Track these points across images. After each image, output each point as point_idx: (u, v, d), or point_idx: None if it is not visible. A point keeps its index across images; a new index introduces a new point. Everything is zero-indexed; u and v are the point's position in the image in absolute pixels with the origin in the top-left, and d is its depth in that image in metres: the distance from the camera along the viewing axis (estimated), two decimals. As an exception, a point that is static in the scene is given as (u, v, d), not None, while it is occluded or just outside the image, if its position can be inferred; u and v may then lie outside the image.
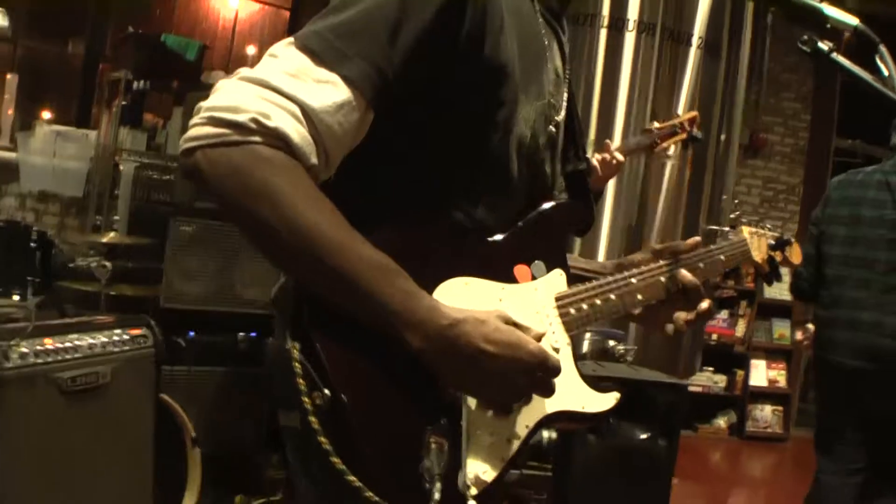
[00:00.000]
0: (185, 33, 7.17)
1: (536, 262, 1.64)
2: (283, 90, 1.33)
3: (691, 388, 7.96)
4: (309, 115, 1.34)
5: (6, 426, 2.72)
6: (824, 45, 1.54)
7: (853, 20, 1.54)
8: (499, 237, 1.59)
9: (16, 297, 3.74)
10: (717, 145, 6.30)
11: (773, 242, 2.17)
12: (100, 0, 7.08)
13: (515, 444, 1.50)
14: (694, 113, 3.88)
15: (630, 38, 5.85)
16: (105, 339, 3.11)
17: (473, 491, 1.41)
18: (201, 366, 4.41)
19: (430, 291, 1.44)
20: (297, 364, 1.39)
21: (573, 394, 1.61)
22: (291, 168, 1.33)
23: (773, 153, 9.16)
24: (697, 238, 1.90)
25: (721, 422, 8.54)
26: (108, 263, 3.95)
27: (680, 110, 5.99)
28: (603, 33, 5.85)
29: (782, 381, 8.71)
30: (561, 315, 1.63)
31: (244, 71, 1.37)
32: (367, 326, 1.36)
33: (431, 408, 1.42)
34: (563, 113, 1.73)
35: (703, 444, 8.30)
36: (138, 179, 5.99)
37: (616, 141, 3.81)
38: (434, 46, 1.43)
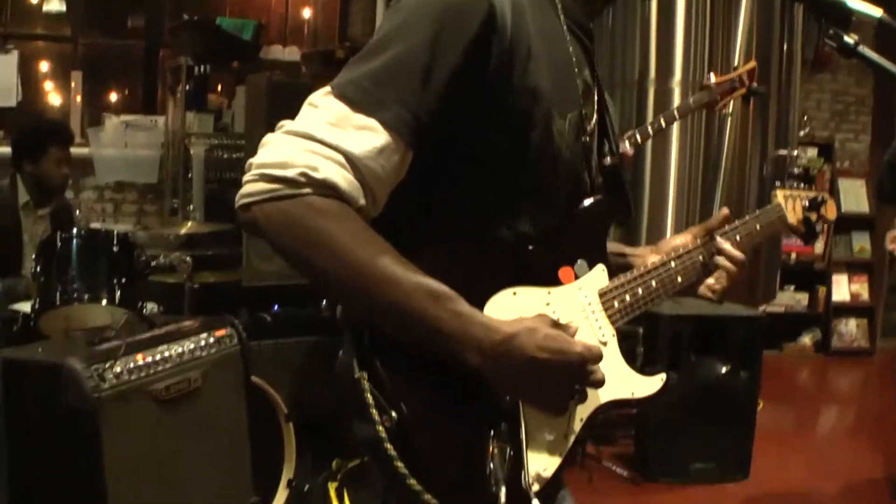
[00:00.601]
0: (238, 13, 7.26)
1: (579, 261, 1.70)
2: (327, 140, 1.41)
3: (773, 309, 7.97)
4: (353, 162, 1.42)
5: (112, 441, 2.86)
6: (850, 39, 1.58)
7: (877, 12, 1.58)
8: (541, 245, 1.65)
9: (104, 302, 3.91)
10: (780, 66, 6.26)
11: (807, 203, 2.21)
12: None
13: (572, 439, 1.58)
14: (752, 64, 3.87)
15: (684, -26, 5.82)
16: (192, 346, 3.24)
17: (536, 487, 1.51)
18: (288, 338, 4.55)
19: (482, 305, 1.53)
20: (368, 395, 1.49)
21: (622, 382, 1.69)
22: (343, 214, 1.42)
23: (839, 65, 8.99)
24: (725, 210, 1.95)
25: (806, 339, 8.53)
26: (188, 258, 4.09)
27: (738, 36, 5.98)
28: (657, -28, 5.82)
29: (865, 295, 8.66)
30: (606, 309, 1.70)
31: (288, 124, 1.45)
32: (429, 351, 1.46)
33: (492, 416, 1.51)
34: (594, 120, 1.78)
35: (790, 363, 8.31)
36: (209, 160, 6.16)
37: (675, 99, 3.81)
38: (465, 82, 1.50)
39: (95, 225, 6.33)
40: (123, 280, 4.04)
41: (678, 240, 1.92)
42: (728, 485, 4.95)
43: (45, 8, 7.08)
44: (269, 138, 1.45)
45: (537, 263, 1.65)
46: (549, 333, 1.48)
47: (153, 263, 4.11)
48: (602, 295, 1.71)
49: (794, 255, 8.34)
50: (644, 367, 5.12)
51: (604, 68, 5.82)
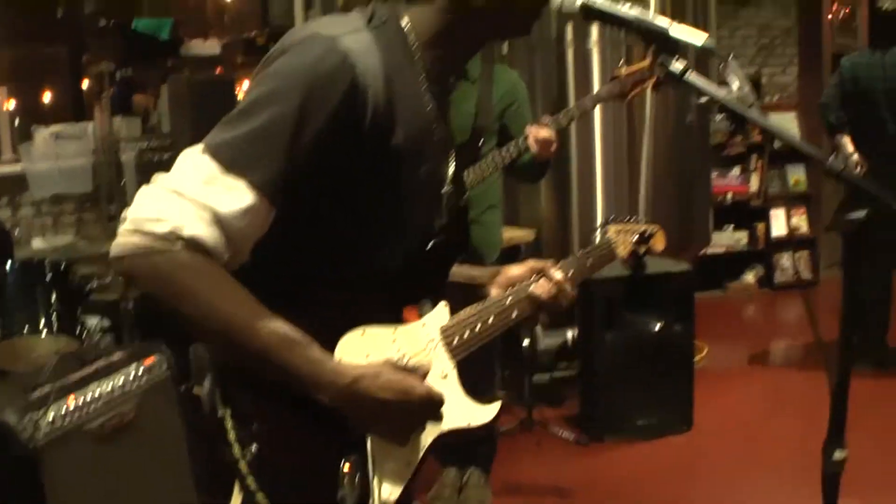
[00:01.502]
0: (156, 12, 7.23)
1: (423, 300, 1.90)
2: (197, 198, 1.53)
3: (713, 251, 8.10)
4: (220, 220, 1.55)
5: (52, 485, 2.98)
6: (677, 66, 1.67)
7: (700, 38, 1.66)
8: (391, 286, 1.83)
9: (44, 333, 4.00)
10: (695, 9, 6.35)
11: (636, 238, 2.37)
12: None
13: (413, 466, 1.78)
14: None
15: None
16: (122, 379, 3.35)
17: None
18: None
19: (335, 343, 1.71)
20: (230, 431, 1.66)
21: (459, 413, 1.86)
22: (208, 269, 1.56)
23: (763, -1, 9.08)
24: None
25: (749, 277, 8.65)
26: (120, 277, 4.15)
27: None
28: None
29: (805, 227, 8.76)
30: (447, 344, 1.88)
31: (161, 178, 1.57)
32: (286, 387, 1.62)
33: (344, 447, 1.68)
34: (451, 169, 1.94)
35: (734, 303, 8.45)
36: (141, 164, 6.19)
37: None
38: (330, 145, 1.62)
39: (37, 242, 6.36)
40: (61, 307, 4.13)
41: (515, 270, 2.08)
42: (673, 437, 5.10)
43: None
44: (144, 191, 1.57)
45: (386, 304, 1.83)
46: (391, 378, 1.66)
47: (88, 287, 4.20)
48: (444, 331, 1.89)
49: (729, 195, 8.45)
50: (578, 335, 5.29)
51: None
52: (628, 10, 1.70)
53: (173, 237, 1.52)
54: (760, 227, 8.64)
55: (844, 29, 9.19)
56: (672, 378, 5.13)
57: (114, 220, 6.16)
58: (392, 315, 1.85)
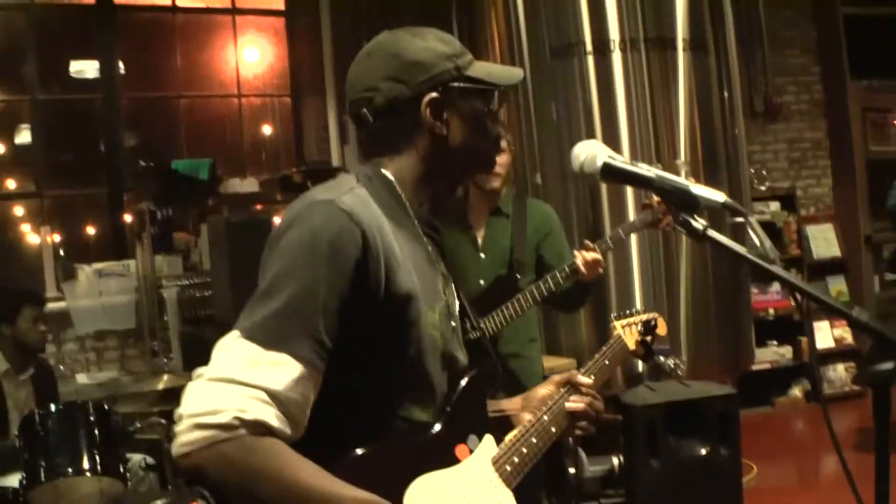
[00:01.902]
0: (194, 151, 7.43)
1: (470, 436, 1.89)
2: (248, 382, 1.56)
3: (759, 367, 8.01)
4: (276, 397, 1.57)
5: None
6: (699, 224, 1.69)
7: (721, 196, 1.69)
8: (436, 428, 1.83)
9: (88, 474, 4.03)
10: (725, 132, 6.41)
11: (641, 328, 2.43)
12: (109, 139, 7.34)
13: None
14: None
15: (617, 58, 5.98)
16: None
17: None
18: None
19: (401, 496, 1.71)
20: None
21: None
22: (276, 447, 1.58)
23: (791, 113, 9.12)
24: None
25: (796, 391, 8.51)
26: (163, 420, 4.22)
27: (680, 113, 6.14)
28: (590, 60, 5.99)
29: (849, 338, 8.68)
30: (500, 474, 1.91)
31: (207, 371, 1.60)
32: None
33: None
34: (456, 305, 1.99)
35: (782, 418, 8.31)
36: (182, 301, 6.28)
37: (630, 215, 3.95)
38: (353, 304, 1.67)
39: (81, 377, 6.45)
40: (104, 448, 4.17)
41: (542, 390, 2.16)
42: (724, 563, 4.98)
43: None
44: (192, 387, 1.58)
45: (437, 447, 1.83)
46: None
47: (130, 429, 4.24)
48: (495, 463, 1.91)
49: (771, 311, 8.40)
50: (623, 462, 5.22)
51: (555, 161, 5.98)
52: (648, 170, 1.74)
53: (237, 424, 1.53)
54: (804, 340, 8.54)
55: (878, 135, 9.22)
56: (721, 502, 5.02)
57: (156, 355, 6.25)
58: (447, 457, 1.84)
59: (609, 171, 1.77)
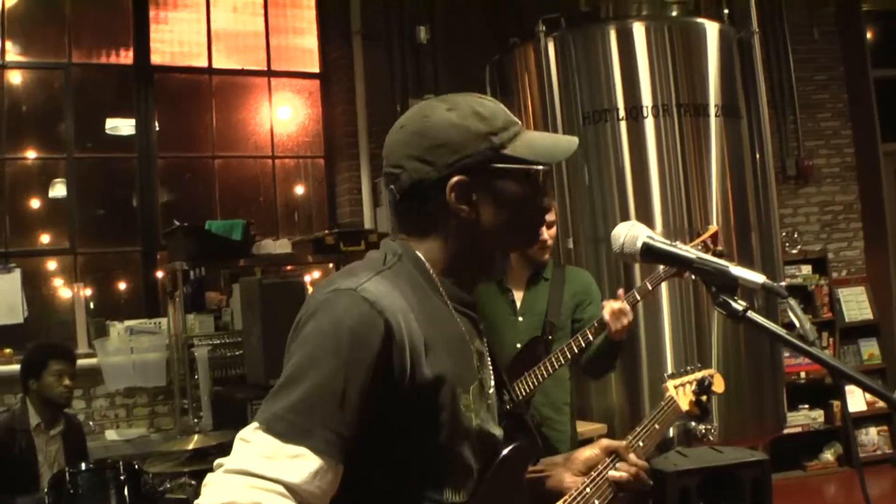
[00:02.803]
0: (228, 211, 7.51)
1: None
2: (265, 475, 1.55)
3: (790, 430, 7.95)
4: (294, 490, 1.56)
5: None
6: (738, 306, 1.69)
7: (760, 278, 1.69)
8: None
9: (116, 535, 4.04)
10: (757, 196, 6.42)
11: (696, 388, 2.37)
12: (144, 197, 7.42)
13: None
14: (714, 228, 4.02)
15: (650, 124, 6.02)
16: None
17: None
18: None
19: None
20: None
21: None
22: None
23: (822, 176, 9.12)
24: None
25: (828, 455, 8.41)
26: (193, 482, 4.22)
27: (713, 177, 6.16)
28: (623, 125, 6.03)
29: (881, 401, 8.55)
30: None
31: (226, 462, 1.59)
32: None
33: None
34: (491, 381, 1.93)
35: (815, 483, 8.21)
36: (213, 360, 6.31)
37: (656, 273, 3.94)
38: (377, 392, 1.65)
39: (111, 434, 6.47)
40: (132, 505, 4.19)
41: (587, 453, 2.09)
42: None
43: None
44: (210, 479, 1.58)
45: None
46: None
47: (160, 489, 4.25)
48: None
49: (803, 374, 8.33)
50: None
51: (588, 226, 6.00)
52: (688, 251, 1.74)
53: None
54: (836, 403, 8.46)
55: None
56: (754, 571, 4.96)
57: (186, 414, 6.27)
58: None
59: (649, 252, 1.78)
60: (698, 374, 2.47)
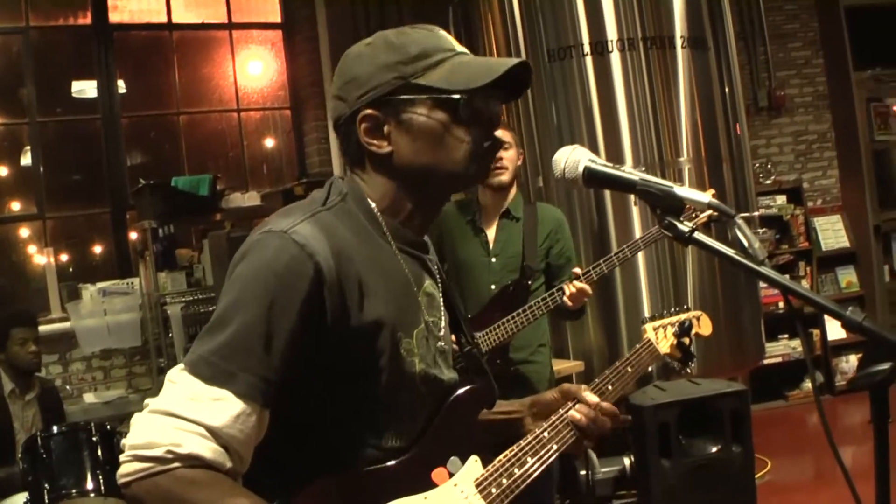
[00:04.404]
0: (196, 167, 7.43)
1: (451, 458, 1.81)
2: (186, 416, 1.54)
3: (771, 361, 7.99)
4: (214, 432, 1.55)
5: None
6: (684, 227, 1.65)
7: (706, 197, 1.65)
8: (410, 453, 1.76)
9: (92, 495, 4.01)
10: (728, 127, 6.37)
11: (677, 330, 2.30)
12: (111, 159, 7.33)
13: None
14: (710, 192, 3.98)
15: (616, 58, 5.94)
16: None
17: None
18: None
19: None
20: None
21: None
22: (211, 479, 1.55)
23: (795, 106, 9.09)
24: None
25: (809, 384, 8.43)
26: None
27: (682, 110, 6.10)
28: (588, 61, 5.95)
29: (860, 329, 8.58)
30: (485, 498, 1.80)
31: (152, 403, 1.59)
32: None
33: None
34: (442, 324, 1.90)
35: (796, 412, 8.25)
36: (187, 317, 6.26)
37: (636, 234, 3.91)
38: (306, 338, 1.62)
39: (89, 397, 6.44)
40: (108, 468, 4.15)
41: (548, 396, 2.03)
42: (740, 562, 4.92)
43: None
44: (137, 418, 1.58)
45: (410, 472, 1.75)
46: None
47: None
48: (479, 485, 1.81)
49: (781, 305, 8.32)
50: (634, 463, 5.16)
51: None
52: (632, 174, 1.70)
53: (171, 457, 1.52)
54: (816, 332, 8.49)
55: (883, 124, 9.17)
56: (734, 501, 4.97)
57: (163, 372, 6.23)
58: (422, 482, 1.77)
59: (591, 176, 1.73)
60: (681, 316, 2.38)
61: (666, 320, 2.37)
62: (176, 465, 1.52)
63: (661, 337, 2.30)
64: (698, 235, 1.64)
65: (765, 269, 1.59)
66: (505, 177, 4.15)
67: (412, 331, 1.78)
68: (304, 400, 1.68)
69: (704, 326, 2.41)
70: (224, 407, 1.55)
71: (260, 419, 1.60)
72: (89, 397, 6.47)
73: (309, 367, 1.65)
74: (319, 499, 1.64)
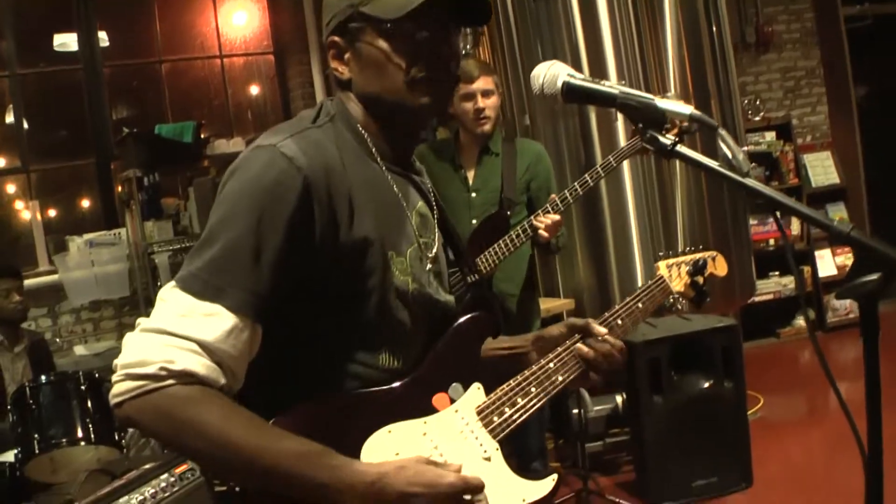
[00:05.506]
0: (180, 116, 7.36)
1: (453, 385, 1.79)
2: (178, 332, 1.52)
3: (762, 298, 7.98)
4: (207, 347, 1.53)
5: None
6: (666, 140, 1.61)
7: (687, 109, 1.61)
8: (410, 376, 1.75)
9: (82, 443, 4.01)
10: (715, 63, 6.31)
11: (691, 268, 2.26)
12: (94, 110, 7.25)
13: None
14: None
15: (602, -5, 5.86)
16: (154, 490, 3.30)
17: None
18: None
19: (358, 447, 1.64)
20: None
21: (511, 492, 1.75)
22: (206, 398, 1.53)
23: (783, 42, 9.02)
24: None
25: (800, 321, 8.43)
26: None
27: (669, 47, 6.03)
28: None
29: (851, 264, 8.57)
30: (486, 426, 1.79)
31: (144, 321, 1.56)
32: None
33: None
34: (436, 245, 1.89)
35: (788, 349, 8.25)
36: (175, 265, 6.23)
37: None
38: (295, 251, 1.60)
39: (80, 349, 6.42)
40: (98, 416, 4.14)
41: (555, 330, 2.00)
42: (734, 495, 4.94)
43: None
44: (128, 338, 1.56)
45: (409, 396, 1.74)
46: (419, 469, 1.58)
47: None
48: (480, 412, 1.80)
49: (772, 241, 8.32)
50: (626, 400, 5.15)
51: (543, 102, 5.88)
52: (611, 87, 1.66)
53: (164, 374, 1.50)
54: (807, 269, 8.49)
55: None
56: (727, 436, 4.97)
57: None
58: (422, 406, 1.76)
59: (571, 91, 1.69)
60: (696, 255, 2.34)
61: (680, 258, 2.33)
62: (170, 381, 1.50)
63: (674, 275, 2.26)
64: (681, 148, 1.60)
65: (749, 181, 1.55)
66: (488, 126, 4.15)
67: (405, 249, 1.78)
68: (297, 317, 1.67)
69: (720, 267, 2.36)
70: (216, 322, 1.54)
71: (253, 334, 1.59)
72: (80, 349, 6.45)
73: (300, 284, 1.63)
74: (315, 416, 1.62)
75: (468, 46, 6.13)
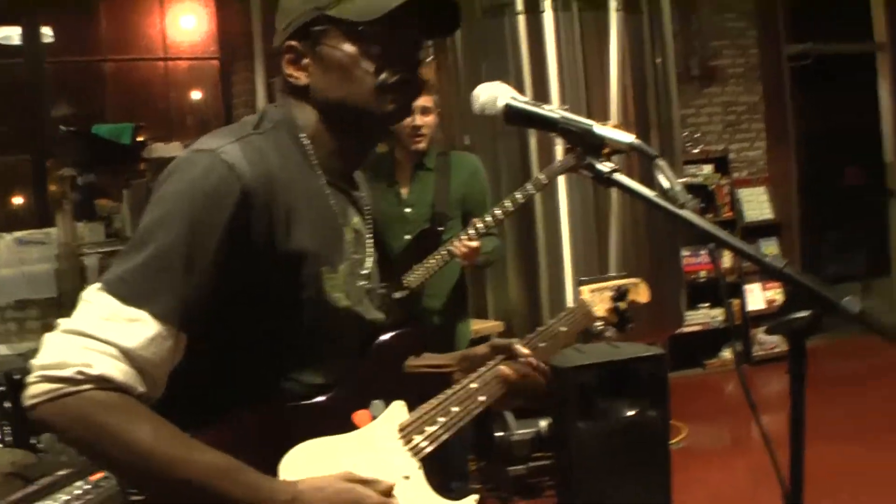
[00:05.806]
0: (121, 116, 7.27)
1: (374, 402, 1.77)
2: (99, 336, 1.47)
3: (690, 329, 8.05)
4: (128, 354, 1.48)
5: None
6: (603, 167, 1.61)
7: (628, 137, 1.61)
8: (330, 393, 1.72)
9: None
10: (657, 94, 6.37)
11: (615, 294, 2.27)
12: (33, 106, 7.16)
13: None
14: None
15: (549, 18, 5.90)
16: (67, 497, 3.21)
17: None
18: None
19: (276, 463, 1.60)
20: None
21: None
22: (122, 405, 1.48)
23: (727, 77, 9.15)
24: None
25: (727, 353, 8.54)
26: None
27: (612, 74, 6.08)
28: (521, 20, 5.90)
29: (780, 300, 8.72)
30: (406, 444, 1.77)
31: (64, 322, 1.51)
32: None
33: None
34: (369, 262, 1.87)
35: (713, 380, 8.35)
36: (104, 268, 6.11)
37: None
38: (229, 261, 1.57)
39: (2, 348, 6.28)
40: (15, 419, 4.06)
41: (479, 350, 2.00)
42: (655, 523, 4.96)
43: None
44: (47, 338, 1.51)
45: (331, 412, 1.71)
46: (339, 488, 1.56)
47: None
48: (401, 430, 1.78)
49: (703, 273, 8.40)
50: (551, 424, 5.16)
51: (484, 122, 5.89)
52: (552, 111, 1.65)
53: (81, 378, 1.45)
54: (736, 302, 8.59)
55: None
56: (649, 464, 5.00)
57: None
58: (343, 423, 1.72)
59: (511, 113, 1.69)
60: (619, 282, 2.33)
61: (604, 284, 2.33)
62: (87, 386, 1.45)
63: (597, 300, 2.26)
64: (618, 176, 1.60)
65: (685, 213, 1.55)
66: (423, 144, 4.19)
67: (337, 266, 1.75)
68: (224, 328, 1.63)
69: (643, 294, 2.37)
70: (139, 328, 1.50)
71: (176, 343, 1.55)
72: (2, 349, 6.30)
73: (231, 294, 1.60)
74: (233, 429, 1.59)
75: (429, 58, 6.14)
